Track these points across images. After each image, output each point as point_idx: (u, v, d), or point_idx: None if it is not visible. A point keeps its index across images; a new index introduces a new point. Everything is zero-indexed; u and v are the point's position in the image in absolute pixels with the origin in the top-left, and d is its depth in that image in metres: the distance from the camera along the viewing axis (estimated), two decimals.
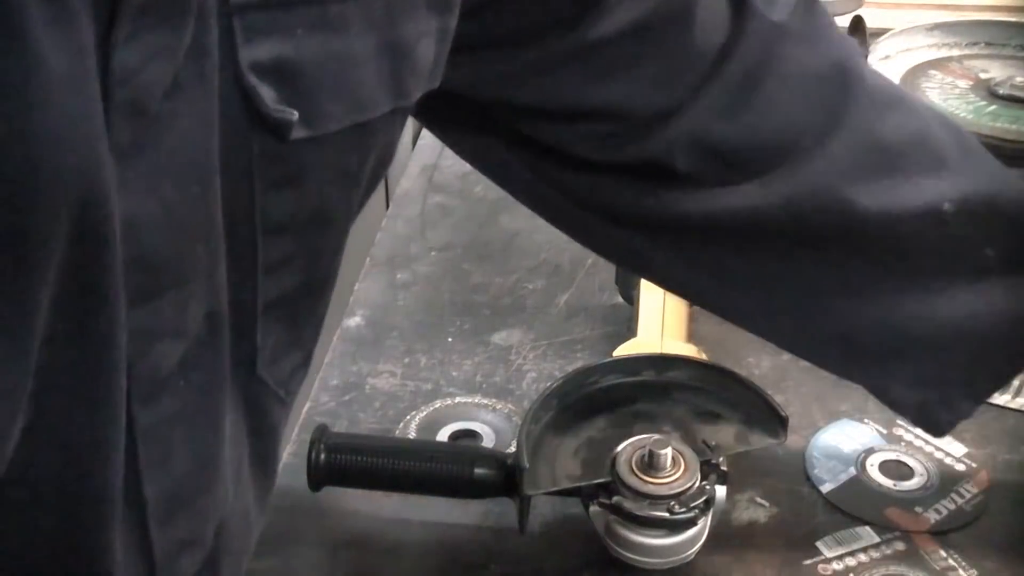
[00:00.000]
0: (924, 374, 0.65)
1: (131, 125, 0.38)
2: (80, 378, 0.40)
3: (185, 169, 0.41)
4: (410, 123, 1.21)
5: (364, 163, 0.50)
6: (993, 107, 0.99)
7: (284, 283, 0.49)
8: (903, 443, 0.77)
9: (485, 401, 0.81)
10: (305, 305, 0.52)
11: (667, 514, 0.64)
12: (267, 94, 0.43)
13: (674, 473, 0.65)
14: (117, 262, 0.39)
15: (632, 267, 0.75)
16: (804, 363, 0.85)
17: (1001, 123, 0.97)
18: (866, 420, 0.79)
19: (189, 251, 0.42)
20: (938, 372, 0.65)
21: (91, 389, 0.40)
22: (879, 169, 0.61)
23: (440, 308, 0.91)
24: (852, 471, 0.75)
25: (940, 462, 0.76)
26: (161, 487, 0.45)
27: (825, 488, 0.73)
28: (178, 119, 0.40)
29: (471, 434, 0.78)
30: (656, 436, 0.66)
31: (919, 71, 1.07)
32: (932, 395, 0.66)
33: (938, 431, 0.68)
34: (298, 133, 0.44)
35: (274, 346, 0.50)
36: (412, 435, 0.77)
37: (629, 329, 0.82)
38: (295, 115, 0.44)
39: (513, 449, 0.70)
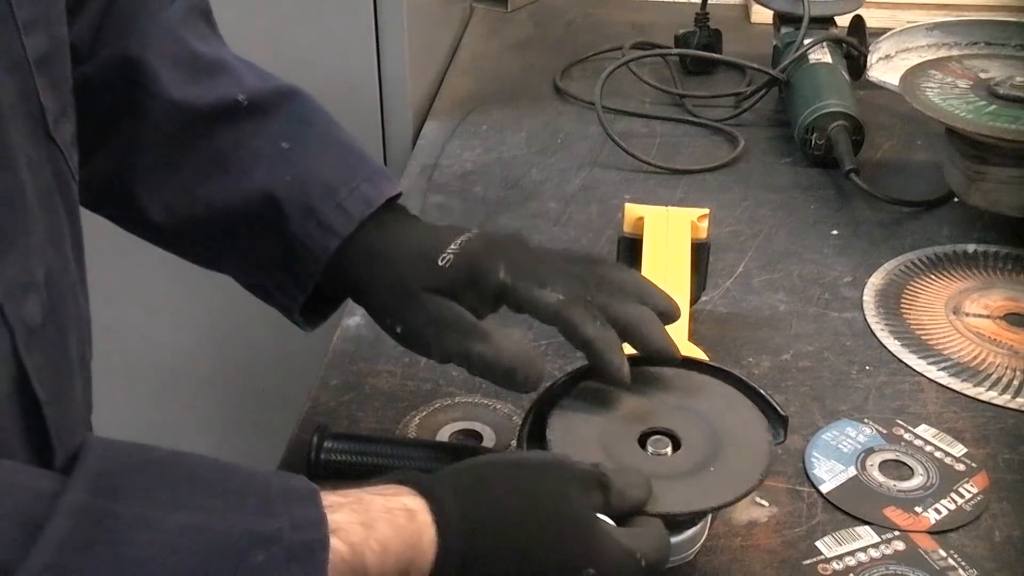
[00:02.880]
0: (251, 255, 0.74)
1: None
2: None
3: None
4: (410, 124, 1.22)
5: None
6: (993, 107, 0.99)
7: (41, 41, 0.57)
8: (903, 443, 0.77)
9: (485, 401, 0.81)
10: (59, 68, 0.59)
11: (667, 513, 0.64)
12: None
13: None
14: None
15: None
16: (804, 363, 0.86)
17: (1001, 123, 0.97)
18: (866, 420, 0.79)
19: None
20: (264, 254, 0.73)
21: None
22: (194, 74, 0.74)
23: None
24: (852, 471, 0.75)
25: (940, 462, 0.76)
26: None
27: (825, 488, 0.73)
28: None
29: (471, 434, 0.78)
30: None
31: (919, 71, 1.07)
32: (265, 279, 0.75)
33: (291, 316, 0.75)
34: None
35: (53, 109, 0.58)
36: (412, 435, 0.77)
37: None
38: None
39: (513, 449, 0.70)
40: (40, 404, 0.55)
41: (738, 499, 0.62)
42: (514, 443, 0.70)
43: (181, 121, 0.73)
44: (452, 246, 0.70)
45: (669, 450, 0.65)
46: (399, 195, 0.75)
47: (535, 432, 0.67)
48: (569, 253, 0.74)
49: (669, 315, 0.70)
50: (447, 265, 0.69)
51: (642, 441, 0.66)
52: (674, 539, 0.64)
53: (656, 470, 0.63)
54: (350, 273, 0.72)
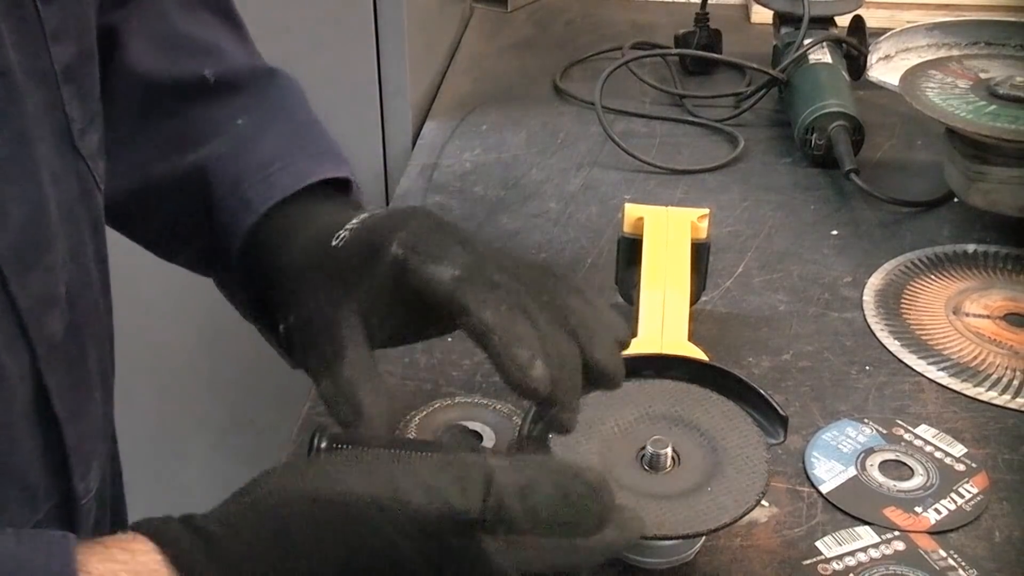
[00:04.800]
0: (185, 236, 0.70)
1: None
2: None
3: None
4: (410, 124, 1.22)
5: None
6: (993, 107, 0.99)
7: (69, 50, 0.55)
8: (903, 443, 0.77)
9: (485, 401, 0.81)
10: (88, 77, 0.58)
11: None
12: None
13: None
14: None
15: None
16: (804, 363, 0.86)
17: (1001, 123, 0.97)
18: (866, 420, 0.79)
19: None
20: (195, 234, 0.68)
21: None
22: (167, 50, 0.70)
23: None
24: (852, 471, 0.75)
25: (940, 462, 0.76)
26: (6, 242, 0.50)
27: (825, 488, 0.73)
28: None
29: (471, 434, 0.78)
30: (656, 436, 0.66)
31: (919, 71, 1.07)
32: (206, 268, 0.70)
33: (247, 319, 0.70)
34: None
35: (80, 119, 0.56)
36: (412, 435, 0.77)
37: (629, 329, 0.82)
38: None
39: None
40: (59, 422, 0.54)
41: (734, 521, 0.62)
42: (514, 443, 0.70)
43: (144, 96, 0.68)
44: (351, 223, 0.60)
45: (668, 466, 0.65)
46: (347, 181, 0.67)
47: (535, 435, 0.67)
48: (523, 256, 0.61)
49: (622, 340, 0.60)
50: (340, 244, 0.59)
51: (641, 457, 0.65)
52: (674, 539, 0.64)
53: (654, 489, 0.63)
54: (262, 261, 0.64)
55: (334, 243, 0.60)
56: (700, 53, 1.33)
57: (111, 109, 0.66)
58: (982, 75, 1.05)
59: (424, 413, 0.79)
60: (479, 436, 0.78)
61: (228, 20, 0.74)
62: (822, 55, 1.22)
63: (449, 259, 0.56)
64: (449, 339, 0.87)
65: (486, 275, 0.56)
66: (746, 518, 0.63)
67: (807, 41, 1.23)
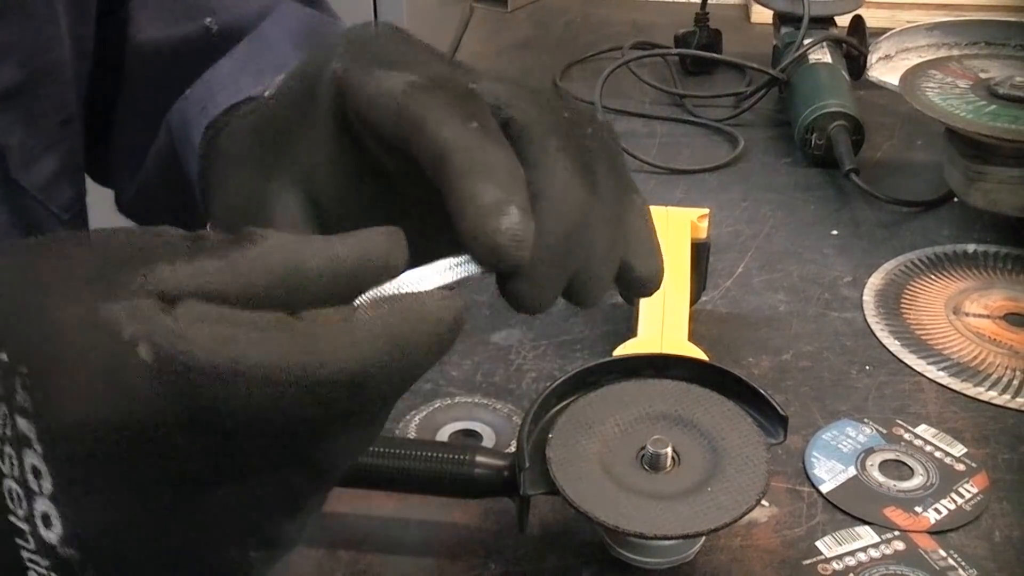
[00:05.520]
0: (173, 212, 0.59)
1: None
2: None
3: None
4: None
5: None
6: (993, 107, 0.99)
7: (9, 74, 0.49)
8: (903, 443, 0.77)
9: (485, 401, 0.81)
10: (38, 101, 0.51)
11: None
12: None
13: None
14: None
15: None
16: (804, 363, 0.86)
17: (1001, 123, 0.97)
18: (866, 420, 0.79)
19: None
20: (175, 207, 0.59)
21: None
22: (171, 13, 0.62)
23: None
24: (852, 471, 0.75)
25: (940, 462, 0.76)
26: None
27: (825, 488, 0.73)
28: None
29: (471, 434, 0.78)
30: (656, 436, 0.66)
31: (919, 71, 1.07)
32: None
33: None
34: None
35: (20, 147, 0.50)
36: (412, 435, 0.77)
37: (629, 329, 0.82)
38: None
39: (513, 449, 0.70)
40: None
41: (734, 521, 0.62)
42: (514, 444, 0.70)
43: (156, 69, 0.60)
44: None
45: (668, 466, 0.65)
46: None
47: (535, 435, 0.67)
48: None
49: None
50: (271, 93, 0.46)
51: (641, 457, 0.65)
52: (674, 539, 0.64)
53: (655, 489, 0.63)
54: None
55: (265, 95, 0.48)
56: (700, 53, 1.33)
57: (132, 90, 0.60)
58: (982, 75, 1.05)
59: (424, 413, 0.79)
60: (479, 436, 0.78)
61: None
62: (822, 55, 1.22)
63: (405, 64, 0.41)
64: None
65: (459, 84, 0.41)
66: (746, 518, 0.63)
67: (807, 41, 1.23)
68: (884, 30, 1.30)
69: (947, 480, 0.74)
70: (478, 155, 0.37)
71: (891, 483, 0.74)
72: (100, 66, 0.62)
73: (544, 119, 0.41)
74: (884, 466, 0.75)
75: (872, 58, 1.26)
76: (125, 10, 0.62)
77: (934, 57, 1.18)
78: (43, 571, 0.34)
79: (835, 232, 1.04)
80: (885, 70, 1.26)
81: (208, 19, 0.59)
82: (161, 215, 0.60)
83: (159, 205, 0.61)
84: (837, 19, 1.29)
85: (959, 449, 0.77)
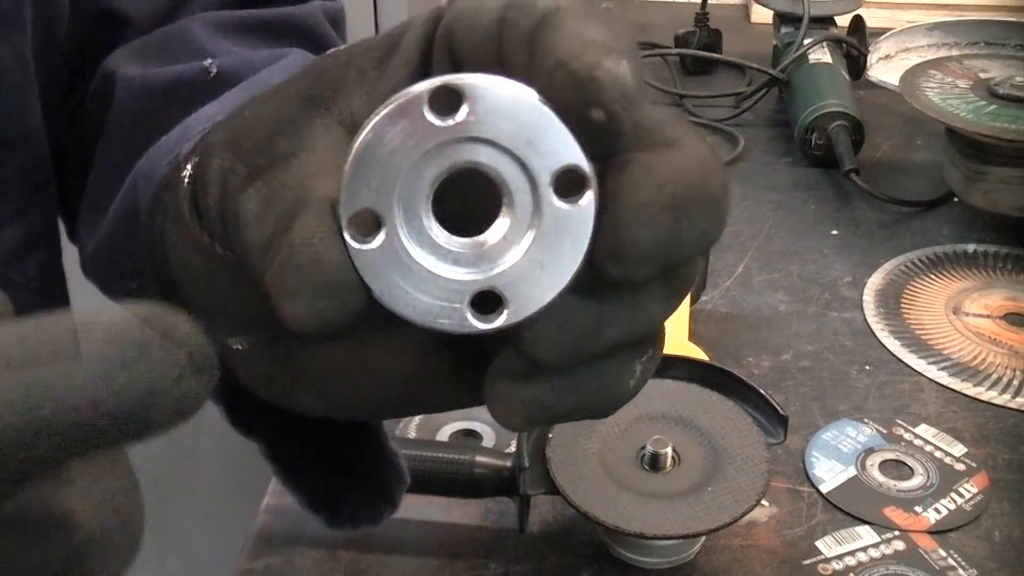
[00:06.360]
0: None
1: None
2: None
3: None
4: None
5: (20, 5, 0.48)
6: (993, 107, 0.99)
7: None
8: (903, 443, 0.77)
9: None
10: (3, 171, 0.49)
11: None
12: None
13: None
14: None
15: None
16: (804, 363, 0.86)
17: (1001, 123, 0.97)
18: (866, 420, 0.79)
19: None
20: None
21: None
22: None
23: None
24: (852, 471, 0.75)
25: (940, 462, 0.76)
26: None
27: (825, 488, 0.73)
28: None
29: (471, 434, 0.78)
30: (656, 435, 0.66)
31: (919, 71, 1.07)
32: None
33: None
34: None
35: None
36: (412, 435, 0.77)
37: None
38: None
39: (513, 449, 0.70)
40: None
41: (734, 521, 0.62)
42: (514, 444, 0.70)
43: (137, 104, 0.54)
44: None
45: (668, 466, 0.65)
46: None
47: (535, 435, 0.67)
48: None
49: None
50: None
51: (641, 457, 0.65)
52: (674, 540, 0.64)
53: (655, 489, 0.63)
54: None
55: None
56: (700, 53, 1.33)
57: (112, 131, 0.55)
58: (982, 75, 1.05)
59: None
60: (479, 436, 0.78)
61: (267, 32, 0.58)
62: (822, 55, 1.22)
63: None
64: None
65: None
66: (746, 518, 0.63)
67: (807, 41, 1.23)
68: (884, 30, 1.30)
69: (947, 480, 0.74)
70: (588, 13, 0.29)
71: (891, 483, 0.74)
72: (82, 114, 0.57)
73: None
74: (884, 466, 0.75)
75: (872, 58, 1.26)
76: (113, 56, 0.57)
77: (934, 57, 1.18)
78: None
79: (835, 232, 1.04)
80: (885, 70, 1.26)
81: (208, 60, 0.53)
82: (115, 280, 0.52)
83: (115, 267, 0.52)
84: (837, 19, 1.29)
85: (959, 449, 0.77)
